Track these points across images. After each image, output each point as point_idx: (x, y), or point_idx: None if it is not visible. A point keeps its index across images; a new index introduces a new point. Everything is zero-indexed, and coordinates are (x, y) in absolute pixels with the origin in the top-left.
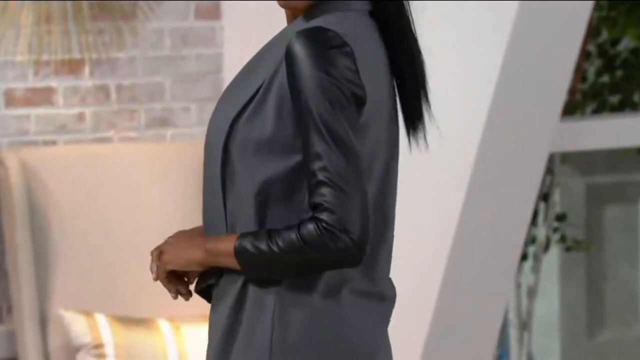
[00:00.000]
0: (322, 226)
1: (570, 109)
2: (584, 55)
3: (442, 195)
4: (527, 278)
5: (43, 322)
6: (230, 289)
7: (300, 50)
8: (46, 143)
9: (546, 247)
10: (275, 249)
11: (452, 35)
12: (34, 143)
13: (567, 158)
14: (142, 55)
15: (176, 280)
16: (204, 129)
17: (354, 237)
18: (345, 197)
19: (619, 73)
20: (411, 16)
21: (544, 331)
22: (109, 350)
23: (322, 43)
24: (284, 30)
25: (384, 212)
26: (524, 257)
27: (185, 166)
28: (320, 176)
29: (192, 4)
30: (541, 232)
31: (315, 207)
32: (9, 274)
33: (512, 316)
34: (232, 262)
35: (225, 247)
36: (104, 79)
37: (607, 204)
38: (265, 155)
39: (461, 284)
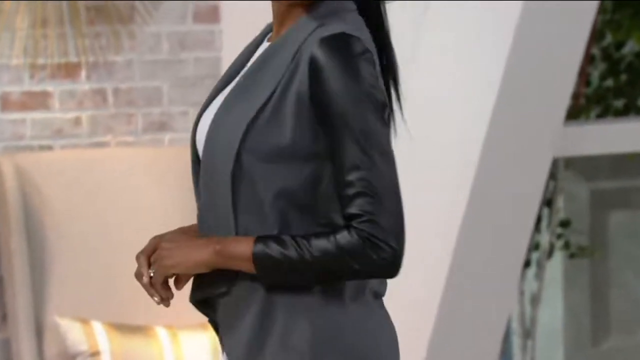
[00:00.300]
0: (364, 237)
1: (574, 114)
2: (588, 58)
3: (444, 200)
4: (531, 285)
5: (39, 330)
6: (253, 297)
7: (328, 59)
8: (42, 148)
9: (550, 253)
10: (306, 256)
11: (455, 38)
12: (30, 148)
13: (571, 163)
14: (140, 58)
15: (164, 284)
16: None
17: (394, 248)
18: (385, 208)
19: (624, 77)
20: (385, 14)
21: (548, 339)
22: (106, 358)
23: (349, 51)
24: (290, 33)
25: None
26: (527, 263)
27: (184, 171)
28: (359, 187)
29: (191, 7)
30: (544, 239)
31: (352, 217)
32: (4, 280)
33: (515, 324)
34: (245, 266)
35: (240, 249)
36: (100, 82)
37: (612, 209)
38: (283, 162)
39: (463, 291)
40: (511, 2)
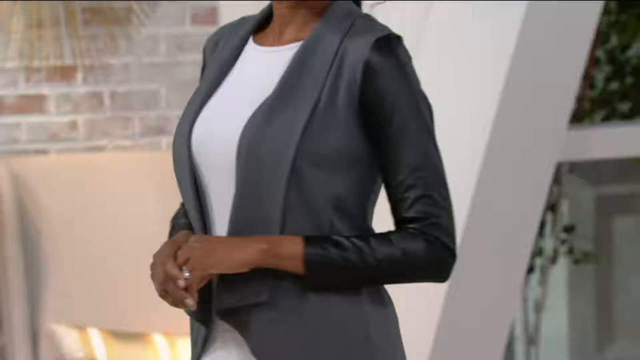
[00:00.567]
0: (431, 240)
1: (579, 117)
2: (593, 61)
3: None
4: (534, 291)
5: (34, 337)
6: (299, 306)
7: (384, 62)
8: (37, 152)
9: (554, 259)
10: (368, 259)
11: (457, 40)
12: (25, 152)
13: (575, 167)
14: (137, 61)
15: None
16: None
17: (453, 250)
18: (445, 209)
19: (629, 80)
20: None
21: (552, 347)
22: None
23: (402, 53)
24: (318, 36)
25: None
26: (530, 269)
27: None
28: (422, 189)
29: (188, 9)
30: (548, 244)
31: (414, 220)
32: None
33: (518, 331)
34: (293, 266)
35: (289, 249)
36: (97, 85)
37: (616, 215)
38: (333, 167)
39: (466, 298)
40: (514, 3)
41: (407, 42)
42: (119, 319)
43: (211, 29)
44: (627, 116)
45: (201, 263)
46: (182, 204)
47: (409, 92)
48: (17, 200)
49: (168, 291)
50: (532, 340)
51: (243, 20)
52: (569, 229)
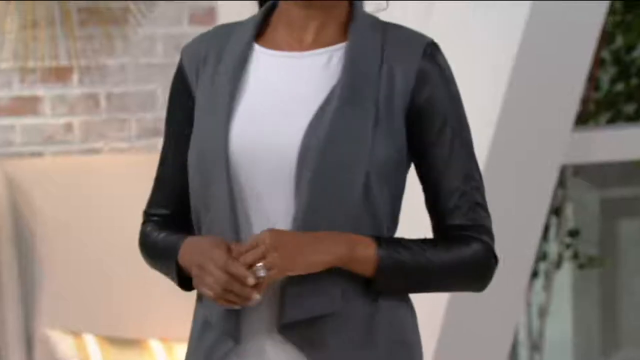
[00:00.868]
0: (488, 248)
1: (583, 119)
2: (598, 62)
3: None
4: (538, 296)
5: (29, 343)
6: (358, 311)
7: (436, 69)
8: (32, 155)
9: (558, 263)
10: (434, 263)
11: (460, 41)
12: (20, 155)
13: (580, 170)
14: (134, 62)
15: None
16: None
17: (497, 258)
18: (490, 218)
19: (635, 81)
20: None
21: (556, 352)
22: None
23: (445, 59)
24: (357, 41)
25: None
26: (534, 274)
27: None
28: (476, 197)
29: (186, 9)
30: (553, 248)
31: (469, 228)
32: None
33: (522, 337)
34: (365, 269)
35: (364, 251)
36: (93, 87)
37: (622, 218)
38: (392, 176)
39: (469, 303)
40: (518, 3)
41: None
42: (115, 324)
43: (209, 29)
44: (633, 118)
45: (282, 262)
46: (148, 221)
47: (456, 99)
48: (11, 204)
49: (232, 291)
50: (536, 346)
51: (222, 28)
52: (573, 233)
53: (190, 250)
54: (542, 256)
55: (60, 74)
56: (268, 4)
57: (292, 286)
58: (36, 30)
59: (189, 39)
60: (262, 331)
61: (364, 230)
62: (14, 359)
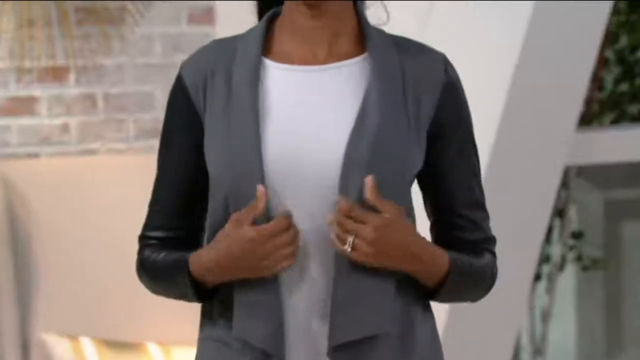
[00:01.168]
0: (495, 261)
1: (587, 120)
2: (602, 62)
3: None
4: (541, 299)
5: (25, 347)
6: (404, 329)
7: (458, 83)
8: (28, 156)
9: (561, 266)
10: (480, 275)
11: (462, 41)
12: (16, 156)
13: (583, 171)
14: (131, 62)
15: None
16: None
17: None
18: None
19: (639, 81)
20: None
21: (559, 356)
22: None
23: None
24: (378, 53)
25: None
26: (537, 277)
27: None
28: (486, 209)
29: (184, 8)
30: (556, 251)
31: (487, 240)
32: None
33: (524, 341)
34: (434, 275)
35: (441, 256)
36: (90, 87)
37: (626, 220)
38: (412, 180)
39: (471, 307)
40: (521, 2)
41: None
42: (113, 327)
43: (208, 29)
44: (637, 118)
45: (383, 239)
46: (145, 246)
47: (468, 110)
48: (7, 205)
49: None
50: (538, 350)
51: (221, 43)
52: (577, 235)
53: (215, 255)
54: (545, 258)
55: (57, 74)
56: (268, 14)
57: (341, 308)
58: (33, 29)
59: (187, 39)
60: (310, 354)
61: None
62: None
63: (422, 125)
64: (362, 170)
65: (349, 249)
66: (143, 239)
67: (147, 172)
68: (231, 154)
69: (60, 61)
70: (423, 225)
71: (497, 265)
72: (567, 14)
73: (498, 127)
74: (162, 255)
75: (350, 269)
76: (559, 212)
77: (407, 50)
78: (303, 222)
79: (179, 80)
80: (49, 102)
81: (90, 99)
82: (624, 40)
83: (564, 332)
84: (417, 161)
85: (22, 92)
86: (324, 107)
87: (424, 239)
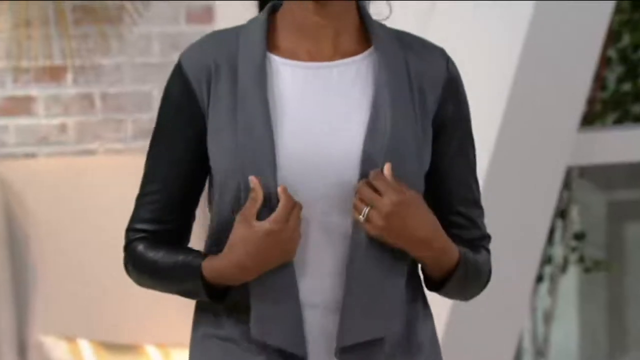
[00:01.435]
0: (490, 259)
1: (589, 119)
2: (604, 61)
3: None
4: (543, 301)
5: (22, 349)
6: (410, 330)
7: (459, 79)
8: (26, 156)
9: (564, 267)
10: (485, 271)
11: (463, 40)
12: (13, 156)
13: (586, 172)
14: (129, 61)
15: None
16: None
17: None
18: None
19: None
20: None
21: (562, 358)
22: None
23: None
24: (383, 49)
25: None
26: (539, 278)
27: None
28: (481, 206)
29: (183, 7)
30: (558, 252)
31: (484, 237)
32: None
33: (527, 343)
34: (442, 266)
35: (452, 249)
36: (88, 87)
37: (629, 221)
38: (422, 179)
39: (472, 308)
40: (522, 1)
41: None
42: (111, 329)
43: (207, 28)
44: None
45: (405, 210)
46: (135, 239)
47: (468, 106)
48: (4, 206)
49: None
50: (541, 352)
51: (222, 34)
52: (579, 236)
53: (236, 260)
54: (547, 260)
55: (54, 74)
56: (268, 6)
57: (350, 309)
58: (30, 29)
59: (186, 38)
60: (322, 354)
61: None
62: None
63: (428, 119)
64: (380, 164)
65: (363, 219)
66: (131, 231)
67: None
68: (243, 150)
69: (58, 61)
70: None
71: (492, 264)
72: (569, 13)
73: (500, 127)
74: (160, 254)
75: (363, 266)
76: (561, 213)
77: (409, 45)
78: (317, 218)
79: (180, 73)
80: (47, 102)
81: (88, 99)
82: (626, 39)
83: (566, 333)
84: (427, 154)
85: (20, 92)
86: (335, 103)
87: (439, 228)
